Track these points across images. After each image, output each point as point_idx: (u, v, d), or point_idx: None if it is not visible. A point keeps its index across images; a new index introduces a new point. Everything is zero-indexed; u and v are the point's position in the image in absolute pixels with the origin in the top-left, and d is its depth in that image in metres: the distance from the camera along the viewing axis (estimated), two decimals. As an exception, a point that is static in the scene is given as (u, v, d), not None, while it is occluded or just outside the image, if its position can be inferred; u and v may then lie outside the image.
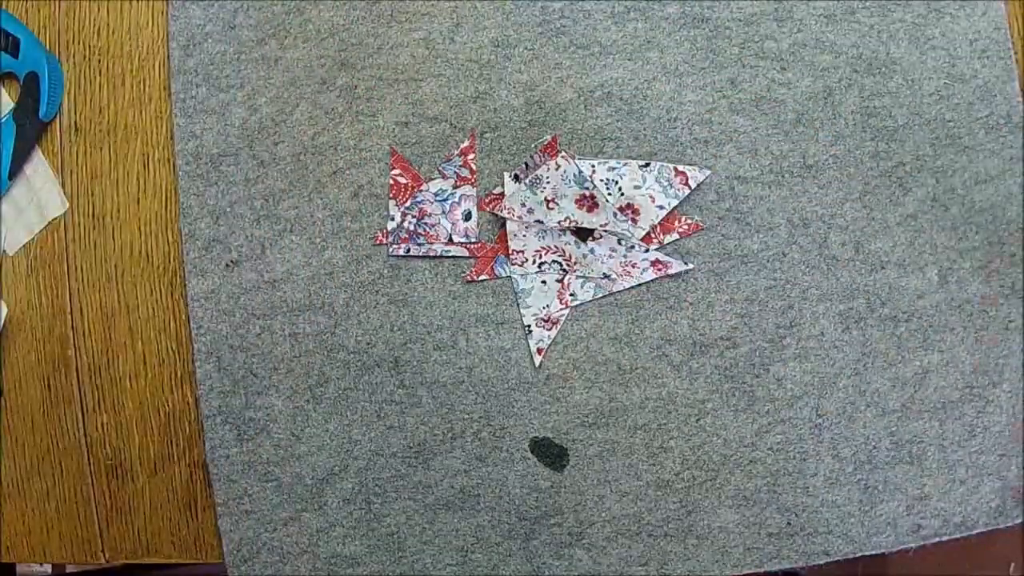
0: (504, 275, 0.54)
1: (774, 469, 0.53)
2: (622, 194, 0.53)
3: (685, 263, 0.53)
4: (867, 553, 0.53)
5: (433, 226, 0.54)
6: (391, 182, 0.54)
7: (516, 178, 0.54)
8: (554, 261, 0.54)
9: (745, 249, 0.54)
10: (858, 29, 0.54)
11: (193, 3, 0.56)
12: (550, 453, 0.54)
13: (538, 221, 0.52)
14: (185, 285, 0.55)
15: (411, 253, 0.54)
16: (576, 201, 0.52)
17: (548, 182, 0.52)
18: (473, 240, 0.54)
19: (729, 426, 0.53)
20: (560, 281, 0.54)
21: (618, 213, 0.52)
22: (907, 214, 0.54)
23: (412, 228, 0.54)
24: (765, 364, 0.53)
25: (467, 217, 0.54)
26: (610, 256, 0.53)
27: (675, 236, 0.54)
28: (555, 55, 0.54)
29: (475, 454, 0.54)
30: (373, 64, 0.55)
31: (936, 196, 0.54)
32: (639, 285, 0.53)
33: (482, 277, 0.54)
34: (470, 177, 0.54)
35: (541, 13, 0.55)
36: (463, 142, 0.54)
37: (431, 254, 0.54)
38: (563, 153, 0.53)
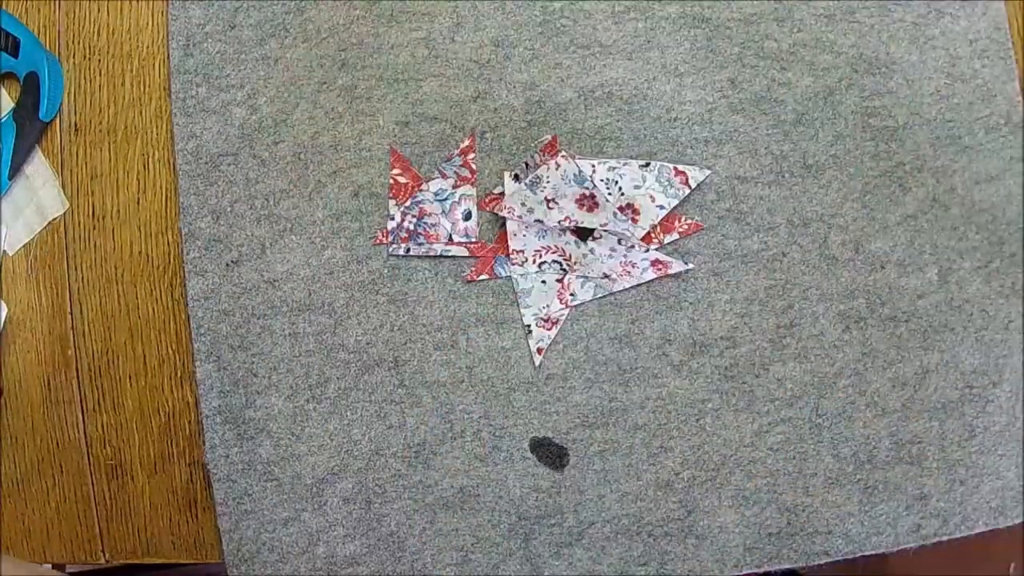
0: (504, 275, 0.54)
1: (774, 469, 0.53)
2: (622, 194, 0.53)
3: (685, 263, 0.53)
4: (867, 553, 0.53)
5: (433, 226, 0.54)
6: (391, 182, 0.54)
7: (516, 178, 0.54)
8: (554, 261, 0.54)
9: (745, 249, 0.54)
10: (858, 29, 0.54)
11: (193, 3, 0.56)
12: (550, 453, 0.54)
13: (538, 221, 0.52)
14: (185, 285, 0.55)
15: (411, 253, 0.54)
16: (576, 201, 0.52)
17: (548, 182, 0.52)
18: (473, 240, 0.54)
19: (729, 426, 0.53)
20: (560, 281, 0.54)
21: (618, 213, 0.52)
22: (907, 214, 0.54)
23: (412, 228, 0.54)
24: (765, 364, 0.53)
25: (467, 217, 0.54)
26: (610, 256, 0.53)
27: (675, 236, 0.54)
28: (555, 55, 0.54)
29: (475, 454, 0.54)
30: (373, 64, 0.55)
31: (936, 196, 0.54)
32: (639, 285, 0.53)
33: (482, 277, 0.54)
34: (470, 177, 0.54)
35: (541, 13, 0.55)
36: (463, 142, 0.54)
37: (431, 254, 0.54)
38: (563, 153, 0.53)
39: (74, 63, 0.56)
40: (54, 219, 0.56)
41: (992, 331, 0.53)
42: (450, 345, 0.54)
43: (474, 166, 0.54)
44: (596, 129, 0.54)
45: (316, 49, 0.55)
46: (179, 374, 0.55)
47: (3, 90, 0.57)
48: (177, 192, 0.55)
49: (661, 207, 0.53)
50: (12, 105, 0.56)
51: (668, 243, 0.54)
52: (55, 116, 0.56)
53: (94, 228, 0.56)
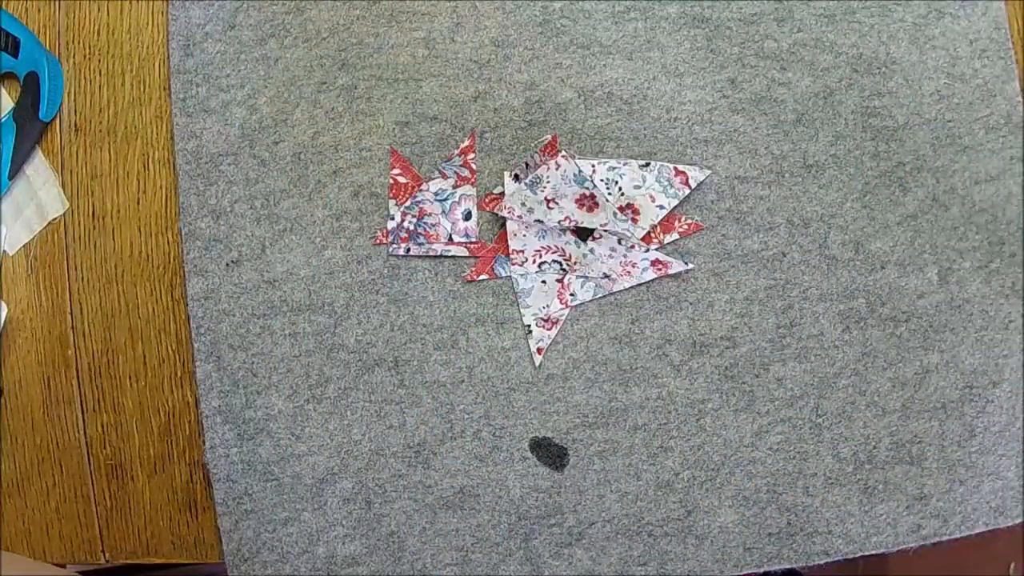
0: (504, 275, 0.54)
1: (774, 469, 0.53)
2: (622, 194, 0.53)
3: (685, 263, 0.53)
4: (867, 553, 0.53)
5: (433, 226, 0.54)
6: (391, 182, 0.54)
7: (516, 178, 0.54)
8: (554, 261, 0.54)
9: (745, 249, 0.54)
10: (858, 29, 0.54)
11: (193, 3, 0.56)
12: (550, 453, 0.54)
13: (538, 221, 0.52)
14: (185, 285, 0.55)
15: (411, 253, 0.54)
16: (576, 201, 0.52)
17: (548, 182, 0.52)
18: (473, 240, 0.54)
19: (729, 426, 0.53)
20: (560, 281, 0.54)
21: (618, 213, 0.52)
22: (907, 214, 0.54)
23: (412, 228, 0.54)
24: (765, 364, 0.53)
25: (467, 217, 0.54)
26: (610, 256, 0.53)
27: (675, 236, 0.54)
28: (555, 55, 0.54)
29: (475, 454, 0.54)
30: (373, 64, 0.55)
31: (936, 196, 0.54)
32: (639, 285, 0.53)
33: (482, 277, 0.54)
34: (470, 177, 0.54)
35: (541, 13, 0.55)
36: (463, 142, 0.54)
37: (431, 254, 0.54)
38: (563, 153, 0.53)
39: (74, 63, 0.56)
40: (54, 219, 0.56)
41: (992, 331, 0.53)
42: (450, 345, 0.54)
43: (474, 166, 0.54)
44: (596, 129, 0.54)
45: (316, 49, 0.55)
46: (179, 374, 0.55)
47: (3, 90, 0.57)
48: (177, 192, 0.55)
49: (661, 207, 0.53)
50: (12, 105, 0.56)
51: (668, 243, 0.54)
52: (55, 116, 0.56)
53: (94, 228, 0.56)
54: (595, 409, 0.54)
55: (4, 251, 0.56)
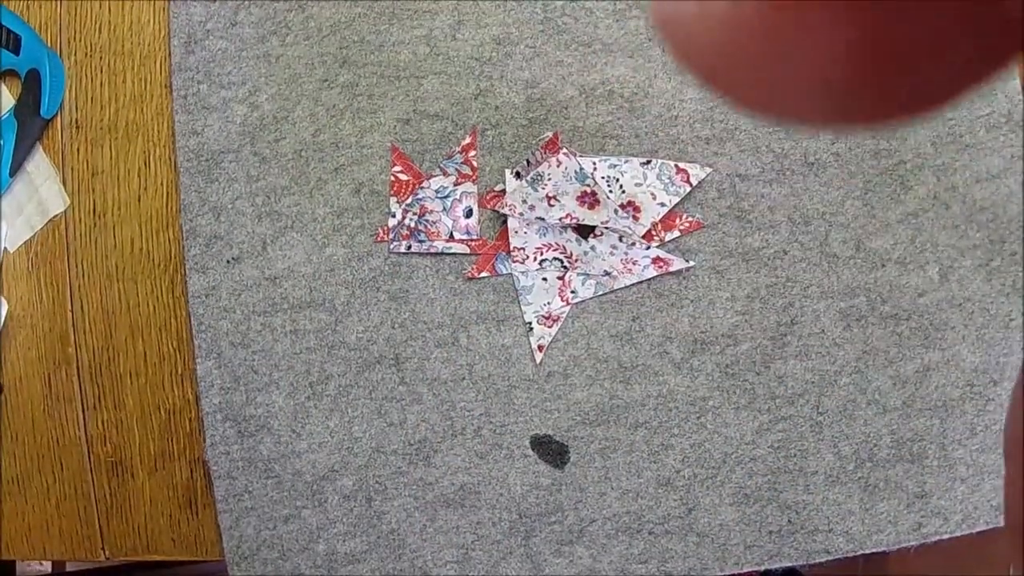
0: (505, 272, 0.54)
1: (775, 467, 0.53)
2: (623, 191, 0.53)
3: (686, 260, 0.53)
4: (867, 551, 0.53)
5: (434, 223, 0.54)
6: (392, 179, 0.54)
7: (517, 175, 0.54)
8: (555, 258, 0.54)
9: (746, 247, 0.54)
10: (859, 27, 0.54)
11: (195, 0, 0.56)
12: (551, 450, 0.53)
13: (539, 218, 0.52)
14: (186, 282, 0.55)
15: (412, 250, 0.54)
16: (577, 198, 0.52)
17: (549, 179, 0.52)
18: (474, 237, 0.54)
19: (730, 424, 0.53)
20: (561, 278, 0.54)
21: (619, 210, 0.52)
22: (908, 212, 0.54)
23: (413, 225, 0.54)
24: (766, 362, 0.53)
25: (468, 214, 0.54)
26: (611, 253, 0.53)
27: (676, 233, 0.54)
28: (556, 52, 0.55)
29: (476, 451, 0.54)
30: (374, 61, 0.55)
31: (937, 194, 0.54)
32: (640, 282, 0.53)
33: (483, 274, 0.54)
34: (471, 174, 0.54)
35: (543, 11, 0.55)
36: (464, 139, 0.54)
37: (432, 251, 0.54)
38: (564, 150, 0.53)
39: (75, 60, 0.56)
40: (55, 216, 0.56)
41: (993, 329, 0.53)
42: (451, 342, 0.54)
43: (475, 163, 0.54)
44: (597, 127, 0.54)
45: (317, 46, 0.55)
46: (180, 371, 0.55)
47: (4, 87, 0.57)
48: (178, 189, 0.55)
49: (662, 204, 0.53)
50: (13, 102, 0.56)
51: (669, 241, 0.54)
52: (56, 113, 0.56)
53: (95, 225, 0.56)
54: (596, 406, 0.54)
55: (5, 248, 0.56)
